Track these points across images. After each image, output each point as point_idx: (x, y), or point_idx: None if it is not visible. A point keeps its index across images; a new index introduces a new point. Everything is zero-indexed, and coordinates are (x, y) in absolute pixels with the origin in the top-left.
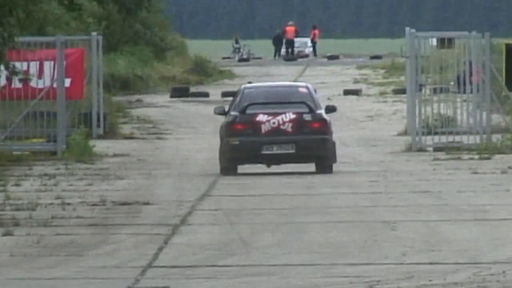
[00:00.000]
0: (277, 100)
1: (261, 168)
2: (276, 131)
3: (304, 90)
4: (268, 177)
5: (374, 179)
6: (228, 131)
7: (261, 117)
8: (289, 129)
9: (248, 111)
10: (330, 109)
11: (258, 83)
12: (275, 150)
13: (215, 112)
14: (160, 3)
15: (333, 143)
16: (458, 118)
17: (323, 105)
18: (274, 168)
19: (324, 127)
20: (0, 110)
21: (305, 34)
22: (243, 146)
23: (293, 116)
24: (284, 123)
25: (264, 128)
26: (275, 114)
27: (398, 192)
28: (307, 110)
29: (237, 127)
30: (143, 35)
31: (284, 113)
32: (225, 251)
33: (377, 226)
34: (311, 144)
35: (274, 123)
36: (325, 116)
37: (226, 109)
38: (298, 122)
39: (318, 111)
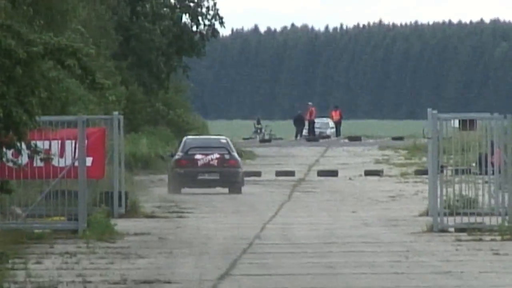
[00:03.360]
0: (208, 145)
1: (284, 246)
2: (207, 165)
3: (224, 140)
4: (289, 256)
5: (395, 260)
6: (176, 164)
7: (197, 156)
8: (215, 164)
9: (189, 153)
10: (239, 154)
11: (195, 136)
12: (206, 176)
13: (167, 155)
14: (182, 84)
15: (243, 173)
16: (479, 199)
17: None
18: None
19: (237, 163)
20: (22, 188)
21: (326, 115)
22: (186, 174)
23: (218, 155)
24: (212, 160)
25: (199, 163)
26: (206, 154)
27: (420, 273)
28: (226, 152)
29: (182, 162)
30: (165, 114)
31: (213, 153)
32: None
33: None
34: (229, 174)
35: (206, 160)
36: (237, 157)
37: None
38: (221, 160)
39: (233, 153)
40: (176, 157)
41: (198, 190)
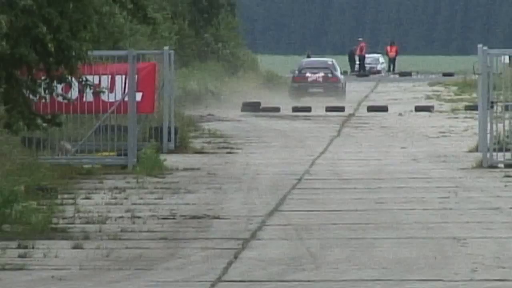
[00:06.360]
0: (316, 67)
1: (333, 182)
2: (315, 81)
3: (330, 62)
4: (338, 192)
5: (444, 196)
6: (293, 80)
7: (308, 74)
8: (321, 80)
9: (302, 72)
10: (342, 73)
11: (308, 59)
12: (314, 89)
13: (291, 72)
14: (232, 19)
15: (342, 87)
16: None
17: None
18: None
19: (338, 79)
20: (71, 123)
21: (376, 51)
22: (299, 87)
23: (322, 74)
24: (318, 77)
25: (310, 79)
26: (315, 73)
27: (469, 209)
28: (329, 71)
29: (297, 79)
30: (215, 49)
31: (319, 72)
32: (295, 266)
33: (447, 243)
34: (331, 87)
35: (313, 77)
36: (338, 74)
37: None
38: (325, 77)
39: (335, 72)
40: (293, 74)
41: (309, 99)
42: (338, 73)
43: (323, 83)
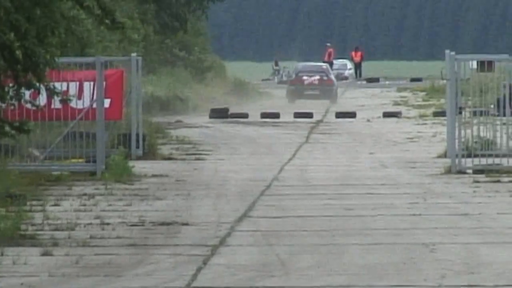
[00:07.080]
0: (312, 70)
1: (301, 188)
2: (311, 83)
3: (324, 66)
4: (307, 198)
5: (413, 201)
6: (290, 83)
7: (304, 77)
8: (317, 83)
9: (299, 75)
10: (335, 76)
11: (304, 63)
12: (310, 92)
13: (287, 76)
14: (200, 25)
15: (336, 90)
16: (497, 140)
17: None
18: (317, 183)
19: (333, 83)
20: (40, 130)
21: (344, 56)
22: (296, 90)
23: (318, 77)
24: (315, 80)
25: (306, 82)
26: (311, 76)
27: (438, 215)
28: (325, 75)
29: (294, 82)
30: (183, 56)
31: (315, 75)
32: (264, 272)
33: (416, 248)
34: (326, 90)
35: (310, 80)
36: (333, 77)
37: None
38: (320, 80)
39: (330, 76)
40: (290, 78)
41: (304, 101)
42: (332, 77)
43: (319, 86)
